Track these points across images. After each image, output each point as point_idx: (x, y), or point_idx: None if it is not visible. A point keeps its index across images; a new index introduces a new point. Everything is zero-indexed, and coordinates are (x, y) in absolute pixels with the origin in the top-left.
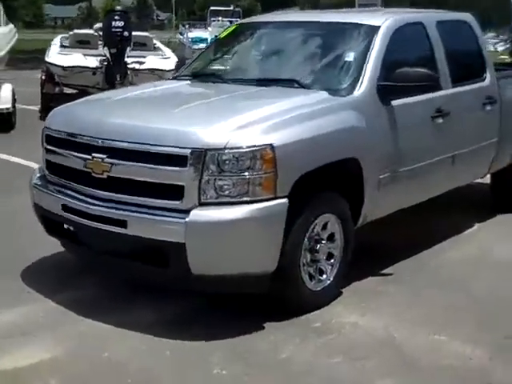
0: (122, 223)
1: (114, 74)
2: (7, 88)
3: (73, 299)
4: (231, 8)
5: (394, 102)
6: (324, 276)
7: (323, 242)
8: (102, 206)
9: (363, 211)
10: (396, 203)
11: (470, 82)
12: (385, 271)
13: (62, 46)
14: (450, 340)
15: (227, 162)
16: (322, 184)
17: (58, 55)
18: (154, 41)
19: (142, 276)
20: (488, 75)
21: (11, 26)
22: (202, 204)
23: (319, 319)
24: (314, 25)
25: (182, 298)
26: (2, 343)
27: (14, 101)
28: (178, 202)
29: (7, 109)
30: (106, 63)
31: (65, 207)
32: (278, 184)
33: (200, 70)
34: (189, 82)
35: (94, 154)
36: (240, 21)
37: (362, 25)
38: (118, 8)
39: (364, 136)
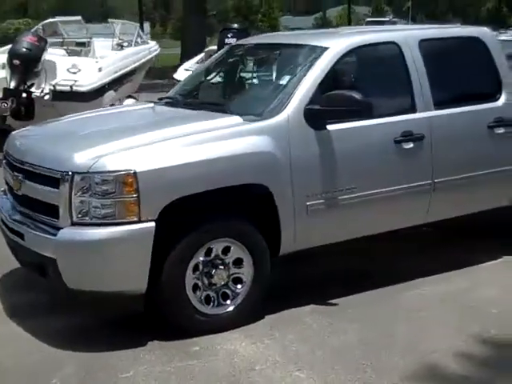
0: (21, 236)
1: None
2: (129, 103)
3: (22, 302)
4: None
5: (331, 127)
6: (228, 301)
7: (221, 266)
8: (15, 220)
9: (283, 239)
10: (338, 232)
11: (468, 104)
12: (334, 301)
13: (200, 61)
14: (306, 378)
15: (92, 185)
16: (214, 208)
17: (182, 71)
18: None
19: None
20: (503, 96)
21: (144, 46)
22: (74, 224)
23: (203, 343)
24: (272, 47)
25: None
26: None
27: None
28: (56, 221)
29: None
30: None
31: (1, 220)
32: (143, 208)
33: (172, 93)
34: (150, 105)
35: (14, 173)
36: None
37: (311, 46)
38: (235, 26)
39: (275, 162)
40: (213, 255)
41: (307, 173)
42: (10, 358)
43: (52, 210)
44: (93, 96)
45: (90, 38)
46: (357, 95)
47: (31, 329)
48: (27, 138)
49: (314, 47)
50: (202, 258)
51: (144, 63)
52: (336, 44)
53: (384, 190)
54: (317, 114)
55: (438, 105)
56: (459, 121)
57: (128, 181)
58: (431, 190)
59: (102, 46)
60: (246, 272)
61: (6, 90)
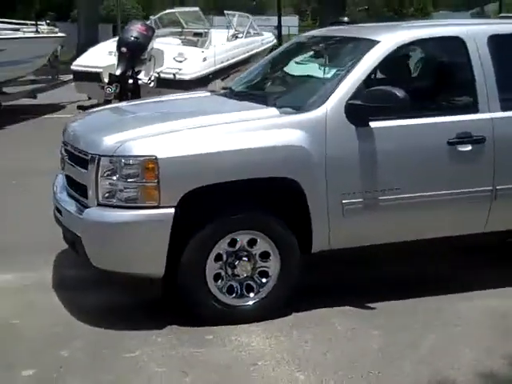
0: (60, 212)
1: None
2: None
3: (69, 277)
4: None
5: (375, 124)
6: (251, 294)
7: (246, 258)
8: (60, 198)
9: (315, 236)
10: (377, 234)
11: None
12: (372, 305)
13: None
14: (304, 380)
15: (117, 168)
16: (239, 200)
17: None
18: None
19: None
20: None
21: (256, 37)
22: (99, 204)
23: (219, 333)
24: (328, 40)
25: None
26: None
27: None
28: (86, 201)
29: None
30: None
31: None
32: (162, 194)
33: (234, 82)
34: (207, 94)
35: (63, 153)
36: None
37: (363, 39)
38: (345, 19)
39: (307, 156)
40: (238, 246)
41: (344, 170)
42: (36, 326)
43: (84, 191)
44: (196, 84)
45: (208, 29)
46: (399, 92)
47: (66, 301)
48: (79, 122)
49: (366, 40)
50: (225, 248)
51: (255, 54)
52: (388, 38)
53: (431, 193)
54: (358, 110)
55: (507, 106)
56: None
57: (149, 166)
58: (492, 197)
59: (219, 37)
60: (273, 266)
61: (112, 76)
